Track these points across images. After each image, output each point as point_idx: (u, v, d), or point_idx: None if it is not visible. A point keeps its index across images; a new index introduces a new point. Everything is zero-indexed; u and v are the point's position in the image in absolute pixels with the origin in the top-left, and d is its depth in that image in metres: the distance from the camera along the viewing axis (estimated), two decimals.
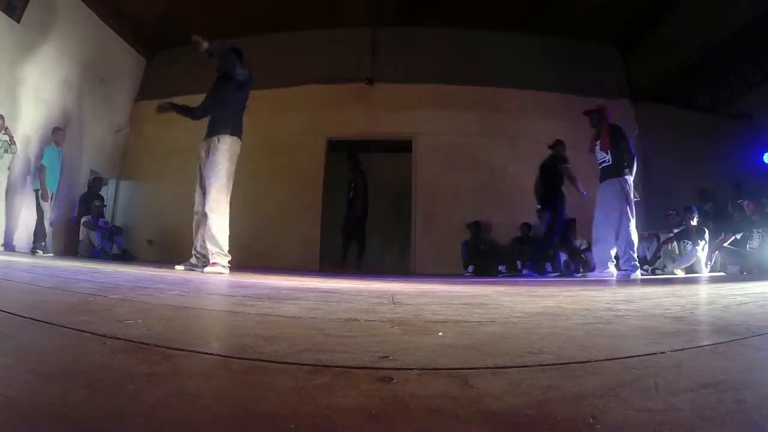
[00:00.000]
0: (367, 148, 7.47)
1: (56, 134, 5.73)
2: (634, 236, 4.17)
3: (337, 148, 6.96)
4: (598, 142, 4.34)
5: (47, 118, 5.95)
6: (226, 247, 3.24)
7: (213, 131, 3.37)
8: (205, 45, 3.33)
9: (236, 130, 3.38)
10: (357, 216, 6.34)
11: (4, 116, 5.10)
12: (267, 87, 6.74)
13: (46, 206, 5.46)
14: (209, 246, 3.19)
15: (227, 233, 3.26)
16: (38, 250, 5.30)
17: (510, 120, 6.82)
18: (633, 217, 4.14)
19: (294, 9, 6.88)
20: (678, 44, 6.40)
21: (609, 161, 4.23)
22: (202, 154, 3.42)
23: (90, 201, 6.35)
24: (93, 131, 6.81)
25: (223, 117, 3.38)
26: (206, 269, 3.12)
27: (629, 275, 4.02)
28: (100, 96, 6.94)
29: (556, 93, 6.77)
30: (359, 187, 6.39)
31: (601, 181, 4.32)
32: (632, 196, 4.15)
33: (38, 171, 5.55)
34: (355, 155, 6.74)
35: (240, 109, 3.45)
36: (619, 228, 4.14)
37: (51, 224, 5.65)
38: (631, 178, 4.17)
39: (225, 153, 3.28)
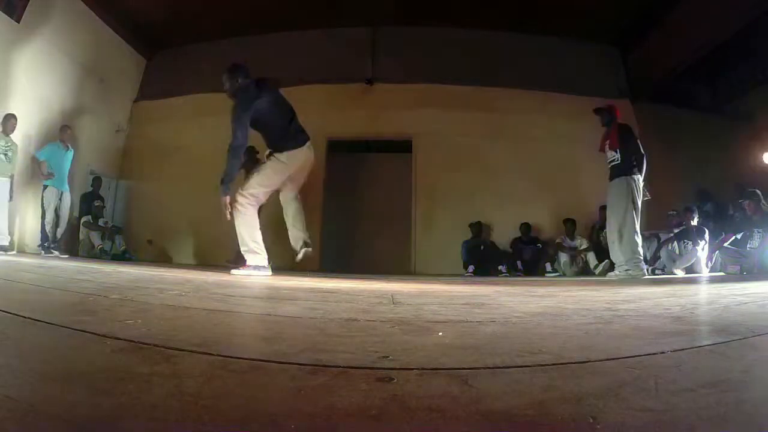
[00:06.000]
0: (367, 147, 7.46)
1: (63, 132, 5.66)
2: (638, 237, 4.14)
3: (337, 148, 6.95)
4: (608, 142, 4.33)
5: (47, 118, 5.93)
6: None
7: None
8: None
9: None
10: None
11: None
12: None
13: (49, 205, 5.44)
14: None
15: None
16: (52, 251, 5.29)
17: (510, 120, 6.81)
18: (638, 218, 4.12)
19: (294, 9, 6.87)
20: (678, 44, 6.39)
21: (618, 160, 4.21)
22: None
23: (90, 201, 6.35)
24: (93, 131, 6.79)
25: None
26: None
27: (634, 275, 4.01)
28: (100, 96, 6.92)
29: (557, 93, 6.77)
30: None
31: (610, 180, 4.29)
32: (641, 196, 4.12)
33: (34, 162, 5.50)
34: None
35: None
36: (622, 227, 4.12)
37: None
38: (639, 178, 4.14)
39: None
